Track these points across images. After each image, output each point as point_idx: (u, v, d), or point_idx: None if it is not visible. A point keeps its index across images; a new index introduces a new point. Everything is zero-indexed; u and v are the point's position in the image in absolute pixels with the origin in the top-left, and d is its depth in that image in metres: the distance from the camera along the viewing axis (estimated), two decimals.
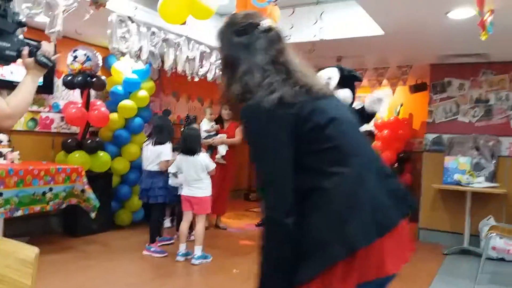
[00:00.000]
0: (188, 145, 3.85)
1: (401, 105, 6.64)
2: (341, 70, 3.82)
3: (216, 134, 5.14)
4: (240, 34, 1.29)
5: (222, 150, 5.08)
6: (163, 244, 4.23)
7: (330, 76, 3.79)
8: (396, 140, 6.39)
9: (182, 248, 3.89)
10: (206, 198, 3.90)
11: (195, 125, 4.69)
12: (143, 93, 4.98)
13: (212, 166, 3.95)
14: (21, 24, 1.60)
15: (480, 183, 4.57)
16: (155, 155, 4.05)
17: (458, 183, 4.57)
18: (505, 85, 4.83)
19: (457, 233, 4.85)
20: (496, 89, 4.88)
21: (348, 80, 3.82)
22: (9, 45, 1.56)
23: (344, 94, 3.74)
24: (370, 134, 6.01)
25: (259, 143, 1.19)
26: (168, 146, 4.09)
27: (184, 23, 3.24)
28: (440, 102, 5.15)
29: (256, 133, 1.20)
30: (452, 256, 4.56)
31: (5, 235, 3.89)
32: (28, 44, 1.62)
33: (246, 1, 2.99)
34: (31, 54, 1.61)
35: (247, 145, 1.24)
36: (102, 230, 4.62)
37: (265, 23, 1.29)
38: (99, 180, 4.51)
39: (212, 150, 5.10)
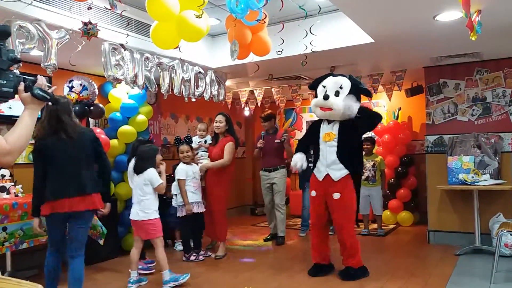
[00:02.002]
0: (136, 163, 3.68)
1: (399, 109, 6.65)
2: (354, 81, 3.75)
3: (207, 151, 4.94)
4: None
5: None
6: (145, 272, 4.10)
7: (342, 85, 3.75)
8: (398, 144, 6.39)
9: (133, 275, 3.71)
10: (146, 221, 3.61)
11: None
12: (141, 117, 5.01)
13: (158, 182, 3.59)
14: (15, 61, 1.59)
15: (486, 181, 4.53)
16: None
17: (464, 182, 4.54)
18: (501, 82, 4.83)
19: (467, 233, 4.80)
20: (492, 86, 4.88)
21: (358, 93, 3.78)
22: (4, 82, 1.56)
23: (351, 105, 3.69)
24: (371, 140, 5.97)
25: None
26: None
27: (177, 47, 3.28)
28: (437, 103, 5.15)
29: None
30: (465, 256, 4.50)
31: (13, 269, 3.88)
32: (23, 79, 1.62)
33: (236, 20, 3.03)
34: (27, 89, 1.61)
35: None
36: (110, 257, 4.60)
37: None
38: None
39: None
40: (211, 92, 4.77)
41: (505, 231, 3.62)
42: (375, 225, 5.93)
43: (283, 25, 3.34)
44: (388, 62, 5.04)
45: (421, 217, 6.23)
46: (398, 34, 3.76)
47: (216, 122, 4.72)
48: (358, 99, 3.83)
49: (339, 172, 3.76)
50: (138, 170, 3.63)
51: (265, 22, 2.91)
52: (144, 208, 3.60)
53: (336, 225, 3.85)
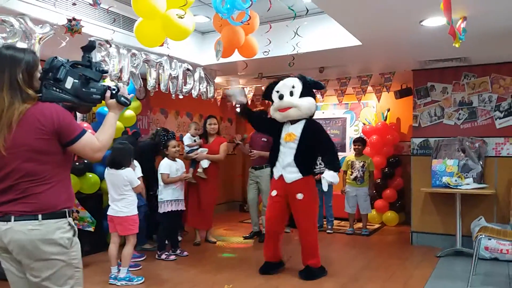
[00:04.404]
0: (113, 157, 3.74)
1: (388, 111, 6.68)
2: (303, 79, 3.89)
3: (199, 148, 5.14)
4: None
5: (204, 163, 5.04)
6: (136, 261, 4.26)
7: (293, 84, 3.87)
8: (385, 144, 6.43)
9: (113, 271, 3.74)
10: (128, 217, 3.72)
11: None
12: (129, 112, 5.00)
13: (137, 182, 3.77)
14: (103, 72, 1.88)
15: (468, 185, 4.59)
16: None
17: (447, 185, 4.59)
18: (487, 87, 4.87)
19: (449, 235, 4.86)
20: (478, 91, 4.93)
21: (310, 89, 3.92)
22: (95, 90, 1.84)
23: (308, 101, 3.85)
24: (362, 141, 5.99)
25: None
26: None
27: (162, 45, 3.27)
28: (424, 106, 5.19)
29: None
30: (446, 258, 4.56)
31: None
32: (109, 88, 1.89)
33: (223, 20, 3.03)
34: (113, 96, 1.88)
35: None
36: (95, 251, 4.62)
37: None
38: (90, 201, 4.53)
39: (195, 164, 5.11)
40: (199, 89, 4.77)
41: (483, 236, 3.68)
42: (360, 224, 5.99)
43: (271, 25, 3.34)
44: (376, 64, 5.06)
45: (406, 217, 6.29)
46: (385, 37, 3.77)
47: (210, 125, 5.21)
48: (313, 95, 3.96)
49: (292, 175, 3.83)
50: (114, 165, 3.72)
51: (249, 24, 2.92)
52: (127, 204, 3.71)
53: (300, 227, 3.89)
